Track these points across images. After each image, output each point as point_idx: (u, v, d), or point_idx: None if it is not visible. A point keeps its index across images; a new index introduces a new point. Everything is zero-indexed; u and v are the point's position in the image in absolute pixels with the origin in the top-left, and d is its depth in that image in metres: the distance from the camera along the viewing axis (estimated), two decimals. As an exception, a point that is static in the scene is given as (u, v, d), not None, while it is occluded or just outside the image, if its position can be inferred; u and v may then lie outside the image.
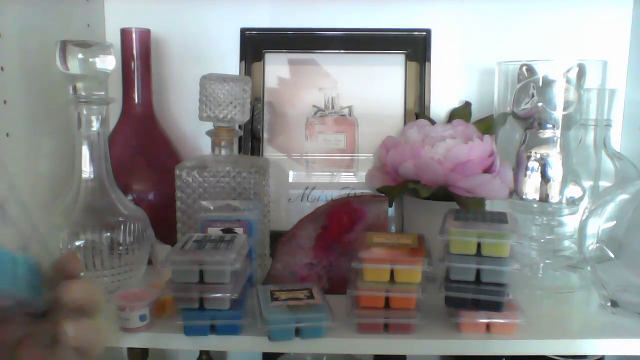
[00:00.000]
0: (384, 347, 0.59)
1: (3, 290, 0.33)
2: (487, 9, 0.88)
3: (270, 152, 0.89)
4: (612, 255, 0.64)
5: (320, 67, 0.89)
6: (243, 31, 0.89)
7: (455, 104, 0.89)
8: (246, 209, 0.68)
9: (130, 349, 0.90)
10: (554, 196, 0.73)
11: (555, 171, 0.72)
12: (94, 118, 0.65)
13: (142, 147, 0.81)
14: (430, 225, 0.65)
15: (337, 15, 0.89)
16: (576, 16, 0.88)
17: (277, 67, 0.89)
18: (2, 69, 0.64)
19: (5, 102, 0.65)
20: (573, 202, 0.74)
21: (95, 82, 0.64)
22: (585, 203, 0.72)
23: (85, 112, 0.64)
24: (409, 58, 0.88)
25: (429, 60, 0.88)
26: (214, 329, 0.58)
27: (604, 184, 0.79)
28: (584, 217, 0.68)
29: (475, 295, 0.57)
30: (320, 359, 0.86)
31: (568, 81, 0.70)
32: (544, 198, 0.73)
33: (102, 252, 0.64)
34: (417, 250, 0.59)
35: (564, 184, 0.73)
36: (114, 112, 0.82)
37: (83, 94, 0.63)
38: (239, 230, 0.65)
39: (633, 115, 0.88)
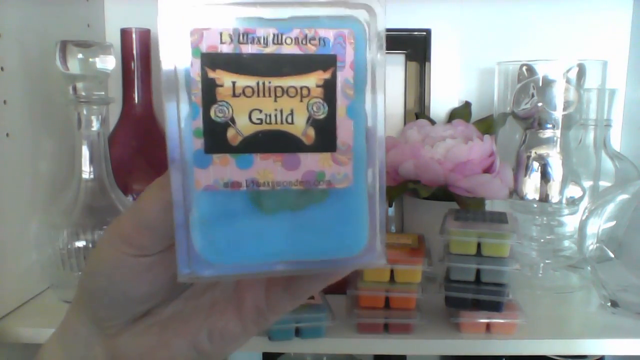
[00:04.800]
0: (384, 347, 0.59)
1: None
2: (487, 9, 0.88)
3: (270, 152, 0.88)
4: (612, 255, 0.64)
5: (320, 67, 0.89)
6: (243, 31, 0.89)
7: (455, 104, 0.89)
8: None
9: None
10: (554, 196, 0.73)
11: (555, 171, 0.72)
12: (94, 118, 0.65)
13: (142, 147, 0.81)
14: (430, 225, 0.65)
15: (337, 15, 0.89)
16: (576, 16, 0.88)
17: (277, 67, 0.89)
18: (2, 69, 0.64)
19: (5, 102, 0.65)
20: (573, 202, 0.74)
21: (95, 82, 0.64)
22: (585, 203, 0.73)
23: (85, 112, 0.64)
24: (409, 58, 0.88)
25: (429, 60, 0.88)
26: (214, 329, 0.58)
27: (604, 184, 0.79)
28: (584, 217, 0.68)
29: (475, 295, 0.57)
30: (320, 359, 0.85)
31: (568, 81, 0.70)
32: (544, 198, 0.73)
33: (102, 252, 0.64)
34: (417, 250, 0.59)
35: (564, 184, 0.73)
36: (114, 112, 0.82)
37: (83, 94, 0.63)
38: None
39: (633, 115, 0.87)
